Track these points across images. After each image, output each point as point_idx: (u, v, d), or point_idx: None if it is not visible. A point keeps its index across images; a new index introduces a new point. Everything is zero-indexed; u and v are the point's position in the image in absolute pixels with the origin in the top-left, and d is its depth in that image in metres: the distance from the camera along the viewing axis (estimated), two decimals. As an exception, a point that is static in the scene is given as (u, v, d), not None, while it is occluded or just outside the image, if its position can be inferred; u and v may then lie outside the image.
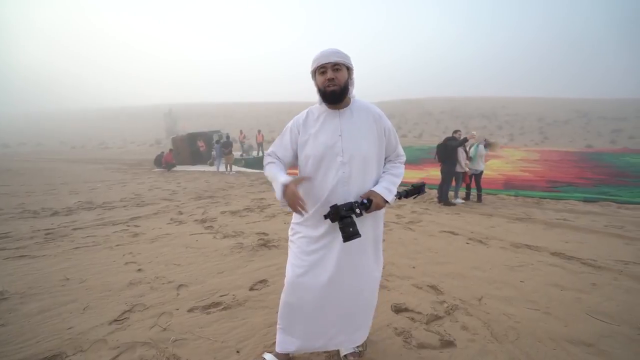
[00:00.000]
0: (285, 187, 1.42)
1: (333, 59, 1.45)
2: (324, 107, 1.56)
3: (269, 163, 1.60)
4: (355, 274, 1.57)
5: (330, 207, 1.43)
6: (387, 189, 1.52)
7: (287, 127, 1.62)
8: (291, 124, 1.61)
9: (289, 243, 1.67)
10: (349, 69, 1.51)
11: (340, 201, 1.47)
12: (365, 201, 1.46)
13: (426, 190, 1.62)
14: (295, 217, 1.65)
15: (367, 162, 1.52)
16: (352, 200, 1.48)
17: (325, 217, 1.45)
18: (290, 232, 1.69)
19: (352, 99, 1.57)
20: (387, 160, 1.66)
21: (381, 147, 1.58)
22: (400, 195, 1.62)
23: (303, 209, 1.39)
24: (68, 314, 2.27)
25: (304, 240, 1.57)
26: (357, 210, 1.43)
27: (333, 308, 1.56)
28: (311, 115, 1.59)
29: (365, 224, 1.53)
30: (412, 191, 1.67)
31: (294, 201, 1.38)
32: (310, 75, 1.57)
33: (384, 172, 1.61)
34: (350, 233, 1.38)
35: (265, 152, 1.68)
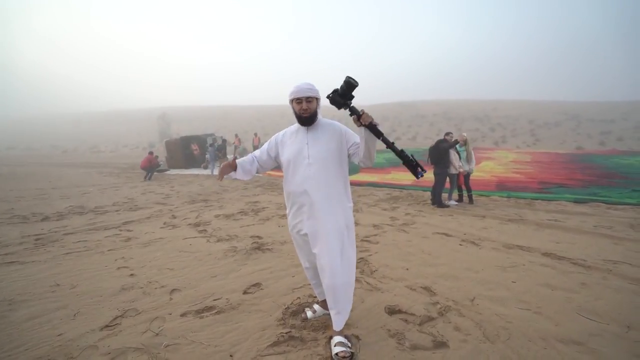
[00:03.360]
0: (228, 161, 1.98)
1: (307, 94, 1.87)
2: (297, 126, 2.02)
3: (249, 156, 2.12)
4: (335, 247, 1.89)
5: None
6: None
7: (271, 138, 2.12)
8: (273, 137, 2.11)
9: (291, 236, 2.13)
10: (317, 99, 1.94)
11: (312, 194, 1.88)
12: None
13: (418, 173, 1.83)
14: (287, 210, 2.09)
15: (328, 163, 1.92)
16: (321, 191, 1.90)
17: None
18: (288, 227, 2.11)
19: (318, 119, 1.98)
20: (352, 147, 1.96)
21: (341, 150, 1.96)
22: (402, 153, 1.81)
23: (220, 174, 1.95)
24: (58, 321, 2.24)
25: (295, 230, 2.04)
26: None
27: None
28: (289, 132, 2.07)
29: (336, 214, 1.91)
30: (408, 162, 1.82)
31: (223, 166, 1.95)
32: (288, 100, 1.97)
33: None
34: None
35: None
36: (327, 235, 1.87)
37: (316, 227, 1.90)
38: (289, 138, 2.03)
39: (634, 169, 10.64)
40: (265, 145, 2.12)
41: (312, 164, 1.91)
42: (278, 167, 2.13)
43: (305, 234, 1.97)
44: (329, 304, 1.90)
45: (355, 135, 1.97)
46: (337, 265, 1.84)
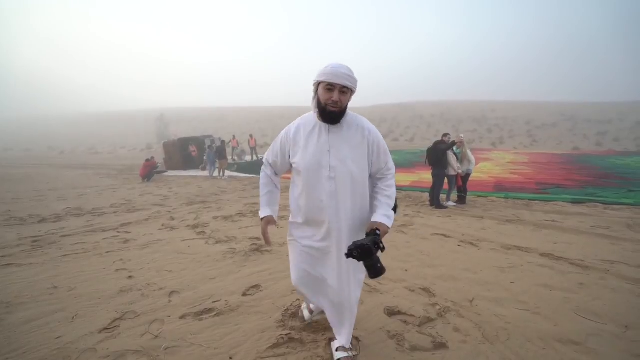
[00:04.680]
0: (262, 220, 1.69)
1: (343, 83, 1.43)
2: (315, 119, 1.58)
3: (262, 173, 1.76)
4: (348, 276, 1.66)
5: (354, 244, 1.39)
6: (387, 217, 1.52)
7: (279, 135, 1.67)
8: (283, 133, 1.65)
9: (290, 244, 1.80)
10: (353, 92, 1.52)
11: (332, 214, 1.56)
12: (378, 232, 1.46)
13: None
14: (292, 219, 1.78)
15: (353, 178, 1.54)
16: (343, 213, 1.57)
17: (348, 255, 1.39)
18: (288, 237, 1.81)
19: (345, 113, 1.55)
20: (377, 174, 1.63)
21: (367, 164, 1.58)
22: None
23: (268, 243, 1.70)
24: (56, 323, 2.22)
25: (305, 242, 1.70)
26: (381, 245, 1.42)
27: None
28: (303, 127, 1.60)
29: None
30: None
31: (263, 234, 1.67)
32: (313, 82, 1.54)
33: (377, 193, 1.60)
34: (379, 269, 1.39)
35: (265, 159, 1.79)
36: (342, 268, 1.60)
37: (332, 252, 1.61)
38: (304, 137, 1.57)
39: (630, 170, 10.72)
40: (278, 146, 1.66)
41: (333, 178, 1.52)
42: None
43: (314, 252, 1.66)
44: (335, 322, 1.71)
45: (388, 155, 1.63)
46: (350, 299, 1.63)
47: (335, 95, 1.44)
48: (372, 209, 1.61)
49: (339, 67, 1.44)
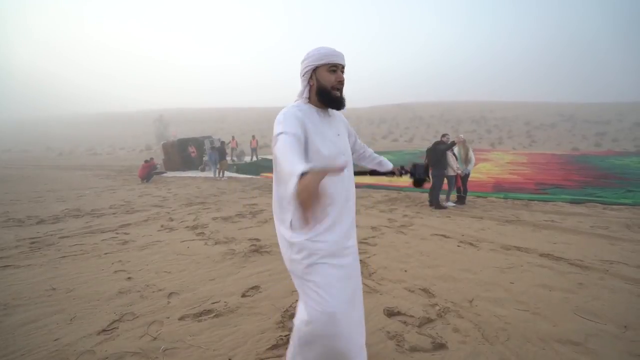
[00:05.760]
0: (302, 176, 0.88)
1: (344, 62, 1.39)
2: (312, 107, 1.40)
3: (286, 137, 1.18)
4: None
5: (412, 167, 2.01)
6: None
7: (286, 114, 1.30)
8: (290, 113, 1.30)
9: (307, 271, 1.32)
10: None
11: (342, 201, 1.38)
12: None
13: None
14: (301, 231, 1.31)
15: (350, 160, 1.52)
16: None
17: (411, 172, 1.97)
18: (301, 256, 1.32)
19: None
20: (360, 149, 1.82)
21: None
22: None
23: (309, 219, 0.91)
24: (54, 325, 2.21)
25: (330, 258, 1.32)
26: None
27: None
28: (306, 112, 1.36)
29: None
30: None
31: (309, 198, 0.84)
32: (304, 69, 1.38)
33: (371, 156, 1.90)
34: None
35: (279, 132, 1.22)
36: (357, 269, 1.49)
37: (353, 254, 1.45)
38: (313, 123, 1.35)
39: (629, 170, 10.73)
40: (296, 124, 1.26)
41: (348, 162, 1.46)
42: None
43: (343, 266, 1.35)
44: None
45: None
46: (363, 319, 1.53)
47: (341, 75, 1.38)
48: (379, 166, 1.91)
49: (333, 48, 1.38)
